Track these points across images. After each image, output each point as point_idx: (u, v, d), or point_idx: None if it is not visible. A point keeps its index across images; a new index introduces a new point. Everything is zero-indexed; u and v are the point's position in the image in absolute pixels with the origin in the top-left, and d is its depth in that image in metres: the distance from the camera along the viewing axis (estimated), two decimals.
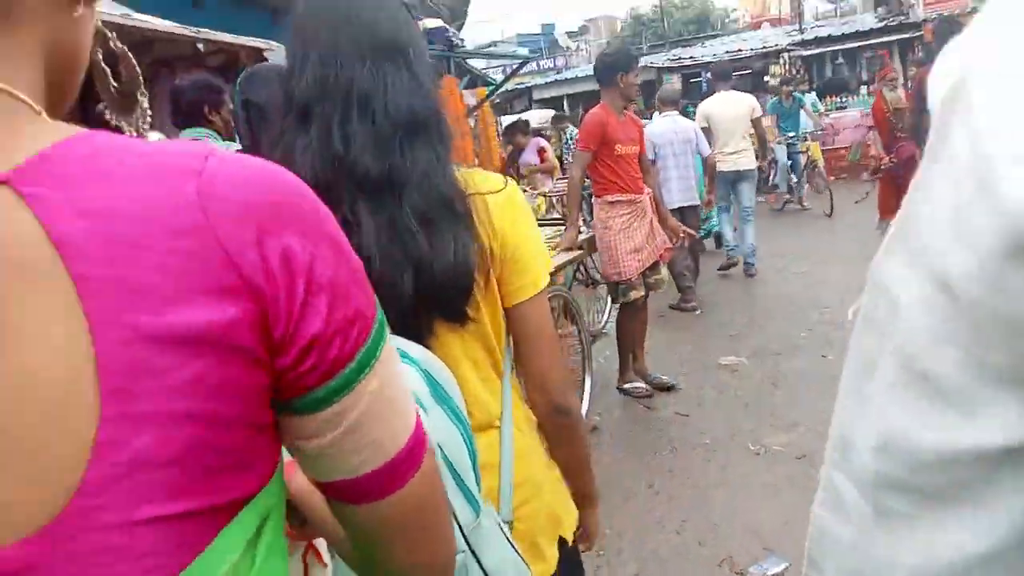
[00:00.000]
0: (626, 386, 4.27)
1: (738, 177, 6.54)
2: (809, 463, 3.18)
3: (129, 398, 0.41)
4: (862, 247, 6.91)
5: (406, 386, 0.56)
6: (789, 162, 9.71)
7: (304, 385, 0.48)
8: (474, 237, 1.04)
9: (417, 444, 0.54)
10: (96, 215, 0.41)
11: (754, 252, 6.64)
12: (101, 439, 0.40)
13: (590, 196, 4.55)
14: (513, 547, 0.99)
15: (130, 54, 0.62)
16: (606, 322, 4.69)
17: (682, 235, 4.41)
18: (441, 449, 0.87)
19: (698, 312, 5.73)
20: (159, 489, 0.42)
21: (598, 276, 5.18)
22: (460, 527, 0.88)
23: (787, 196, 9.95)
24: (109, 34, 0.56)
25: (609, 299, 4.34)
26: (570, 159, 6.97)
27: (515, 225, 1.10)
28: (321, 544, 0.87)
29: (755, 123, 6.59)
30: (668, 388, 4.28)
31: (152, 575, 0.42)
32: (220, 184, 0.45)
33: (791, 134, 9.66)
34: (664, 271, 4.38)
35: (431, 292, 1.02)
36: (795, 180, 9.83)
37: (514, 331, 1.13)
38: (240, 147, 2.12)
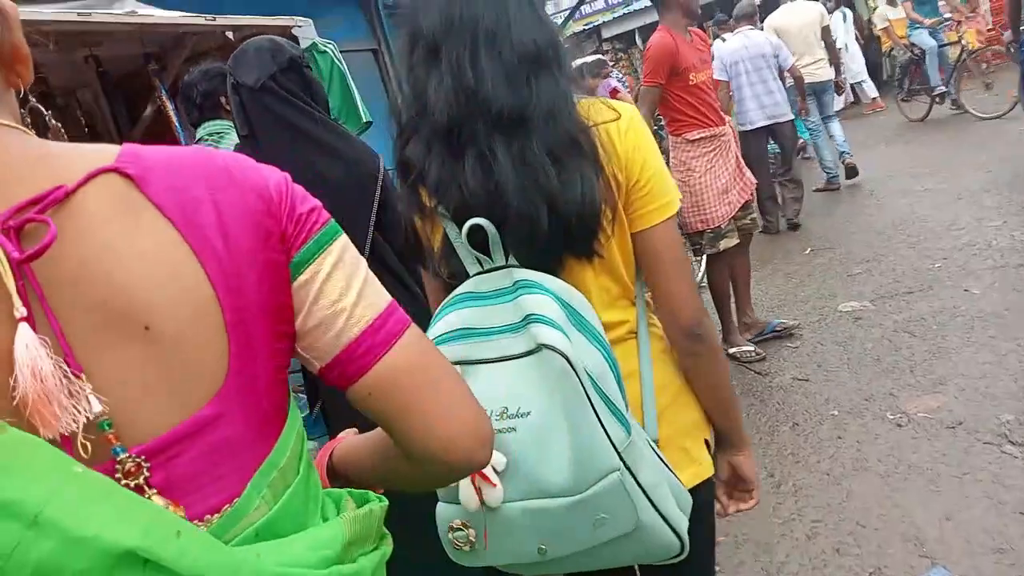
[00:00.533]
0: (732, 351, 3.74)
1: (817, 89, 6.32)
2: (967, 434, 2.60)
3: (232, 283, 0.59)
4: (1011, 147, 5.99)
5: (370, 277, 0.70)
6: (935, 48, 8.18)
7: (297, 241, 0.65)
8: (600, 172, 1.04)
9: (394, 314, 0.68)
10: (164, 183, 0.59)
11: (846, 142, 6.50)
12: (229, 320, 0.59)
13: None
14: (666, 465, 1.06)
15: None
16: (699, 280, 4.17)
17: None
18: (588, 372, 0.95)
19: (807, 251, 5.08)
20: (270, 340, 0.62)
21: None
22: (614, 445, 0.95)
23: (935, 94, 8.19)
24: None
25: (693, 253, 3.84)
26: None
27: (639, 151, 1.09)
28: (487, 468, 0.93)
29: (824, 32, 6.33)
30: (790, 334, 3.78)
31: (277, 415, 0.63)
32: (236, 167, 0.66)
33: (935, 19, 8.26)
34: (755, 210, 3.86)
35: (562, 228, 1.03)
36: (941, 78, 8.15)
37: (644, 256, 1.13)
38: (241, 135, 1.91)
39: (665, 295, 1.12)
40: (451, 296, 1.07)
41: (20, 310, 0.51)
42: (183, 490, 0.56)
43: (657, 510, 1.00)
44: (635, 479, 0.98)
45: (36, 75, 0.65)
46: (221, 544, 0.54)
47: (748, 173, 3.66)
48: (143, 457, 0.55)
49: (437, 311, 1.07)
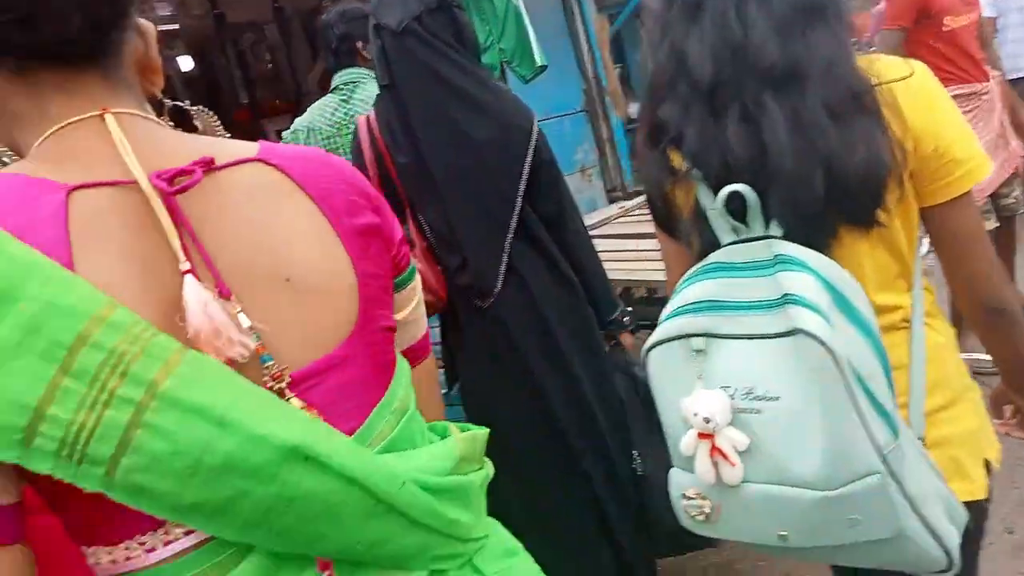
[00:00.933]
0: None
1: None
2: None
3: (361, 258, 0.71)
4: None
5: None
6: None
7: (399, 268, 0.80)
8: (886, 134, 0.95)
9: (428, 334, 0.91)
10: (304, 171, 0.71)
11: None
12: (361, 283, 0.71)
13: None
14: (939, 477, 0.97)
15: None
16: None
17: None
18: (851, 364, 0.87)
19: None
20: (385, 309, 0.75)
21: None
22: (877, 447, 0.88)
23: None
24: None
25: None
26: None
27: (932, 113, 0.99)
28: (727, 446, 0.94)
29: None
30: None
31: (390, 366, 0.75)
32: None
33: None
34: (1019, 187, 3.21)
35: (839, 193, 0.95)
36: None
37: (938, 233, 1.04)
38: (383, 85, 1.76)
39: (966, 277, 1.03)
40: (700, 265, 1.01)
41: (184, 263, 0.60)
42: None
43: (924, 521, 0.91)
44: (900, 485, 0.90)
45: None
46: (363, 448, 0.65)
47: (1015, 142, 3.10)
48: (285, 367, 0.64)
49: (683, 280, 1.02)
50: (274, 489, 0.57)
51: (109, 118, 0.63)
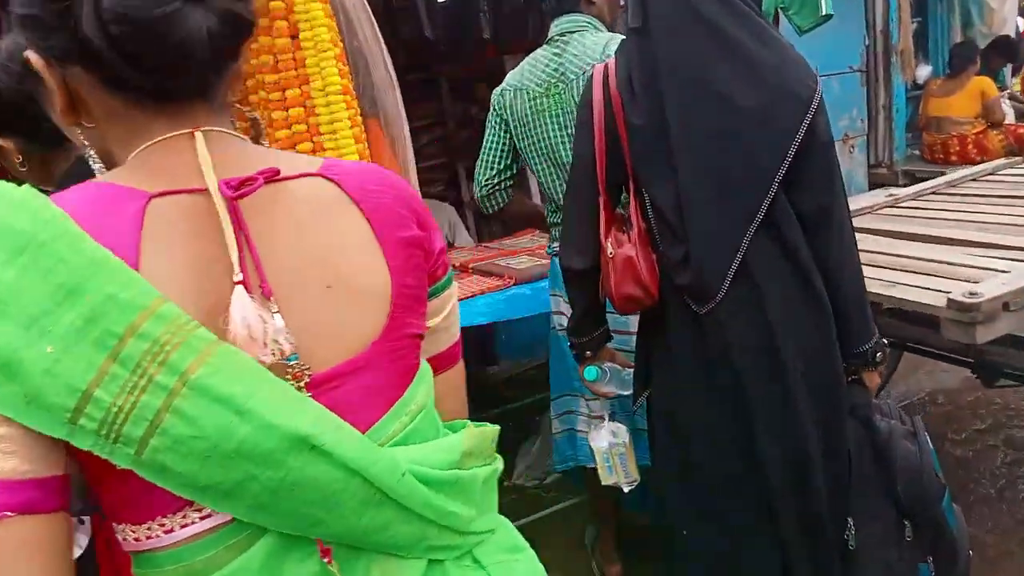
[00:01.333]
0: None
1: None
2: None
3: (400, 269, 0.76)
4: None
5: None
6: None
7: (435, 277, 0.84)
8: None
9: (459, 342, 0.92)
10: (358, 186, 0.77)
11: None
12: (395, 294, 0.75)
13: None
14: None
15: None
16: None
17: None
18: None
19: None
20: (415, 317, 0.78)
21: None
22: None
23: None
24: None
25: None
26: None
27: None
28: None
29: None
30: None
31: (411, 370, 0.78)
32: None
33: None
34: None
35: None
36: None
37: None
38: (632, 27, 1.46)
39: None
40: None
41: (238, 275, 0.65)
42: (338, 414, 0.68)
43: None
44: None
45: None
46: (368, 440, 0.69)
47: None
48: (307, 367, 0.69)
49: None
50: (280, 474, 0.63)
51: (198, 135, 0.69)
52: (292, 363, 0.67)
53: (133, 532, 0.67)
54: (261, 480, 0.63)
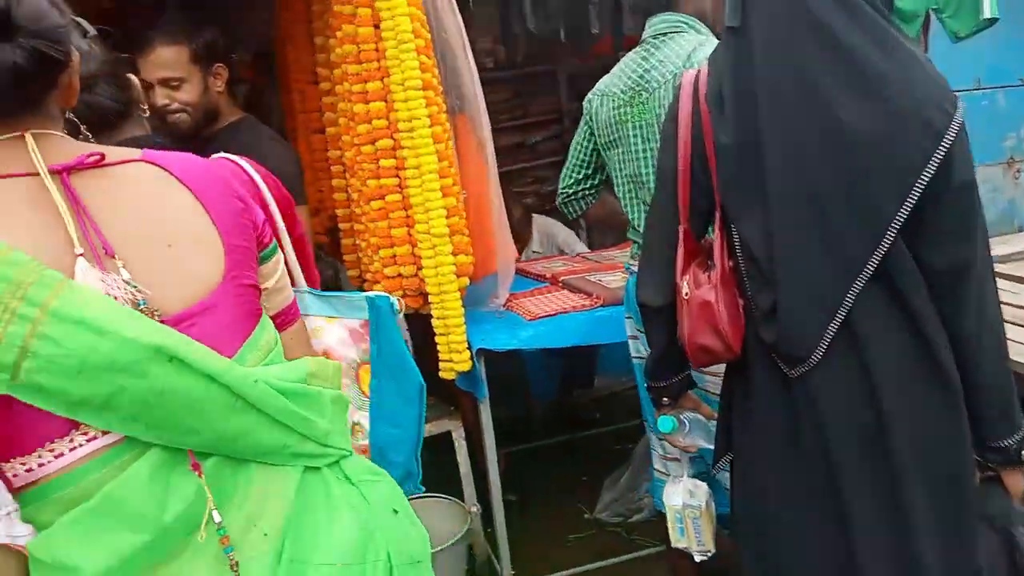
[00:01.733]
0: None
1: None
2: None
3: (228, 231, 0.90)
4: None
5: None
6: None
7: (263, 244, 0.98)
8: None
9: (295, 301, 1.08)
10: (183, 169, 0.91)
11: None
12: (227, 251, 0.89)
13: None
14: None
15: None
16: None
17: None
18: None
19: None
20: (248, 271, 0.93)
21: None
22: None
23: None
24: None
25: None
26: None
27: None
28: None
29: None
30: None
31: (255, 314, 0.93)
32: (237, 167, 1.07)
33: None
34: None
35: None
36: None
37: None
38: None
39: None
40: None
41: (78, 248, 0.79)
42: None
43: None
44: None
45: None
46: (218, 354, 0.82)
47: None
48: (157, 310, 0.82)
49: None
50: (146, 384, 0.75)
51: (27, 135, 0.82)
52: (142, 307, 0.80)
53: (24, 464, 0.77)
54: (130, 390, 0.75)
